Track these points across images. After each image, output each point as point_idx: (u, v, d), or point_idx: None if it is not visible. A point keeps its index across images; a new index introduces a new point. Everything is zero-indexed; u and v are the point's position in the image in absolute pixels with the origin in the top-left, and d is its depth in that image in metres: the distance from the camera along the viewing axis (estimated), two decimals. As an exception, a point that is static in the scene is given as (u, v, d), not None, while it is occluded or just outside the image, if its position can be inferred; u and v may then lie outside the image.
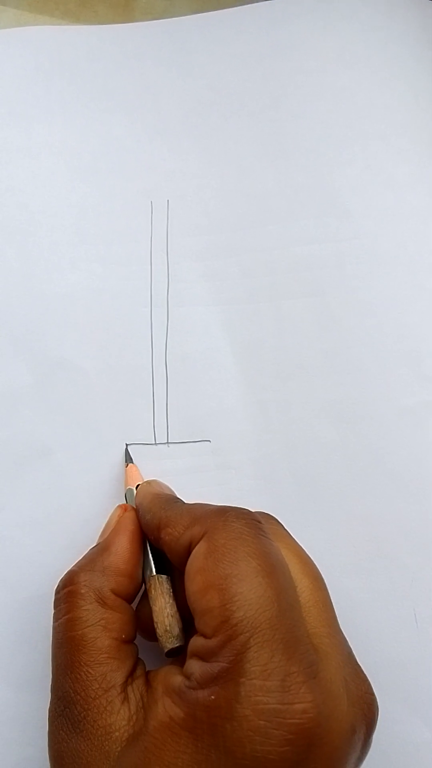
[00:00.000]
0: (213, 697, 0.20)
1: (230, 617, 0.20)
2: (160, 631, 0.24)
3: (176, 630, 0.24)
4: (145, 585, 0.26)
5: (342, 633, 0.23)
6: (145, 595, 0.26)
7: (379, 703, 0.23)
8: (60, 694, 0.22)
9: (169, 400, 0.31)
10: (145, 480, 0.29)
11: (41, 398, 0.31)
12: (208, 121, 0.35)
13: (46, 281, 0.32)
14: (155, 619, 0.24)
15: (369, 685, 0.23)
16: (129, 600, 0.25)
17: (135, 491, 0.28)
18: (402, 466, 0.30)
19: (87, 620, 0.23)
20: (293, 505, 0.31)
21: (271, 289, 0.33)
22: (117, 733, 0.21)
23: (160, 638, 0.24)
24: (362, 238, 0.33)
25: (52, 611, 0.25)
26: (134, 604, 0.26)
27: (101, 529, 0.28)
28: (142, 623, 0.26)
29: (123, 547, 0.26)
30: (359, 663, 0.23)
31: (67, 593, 0.24)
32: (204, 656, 0.21)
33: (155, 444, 0.31)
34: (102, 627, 0.23)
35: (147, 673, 0.23)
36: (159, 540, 0.25)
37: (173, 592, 0.25)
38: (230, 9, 0.37)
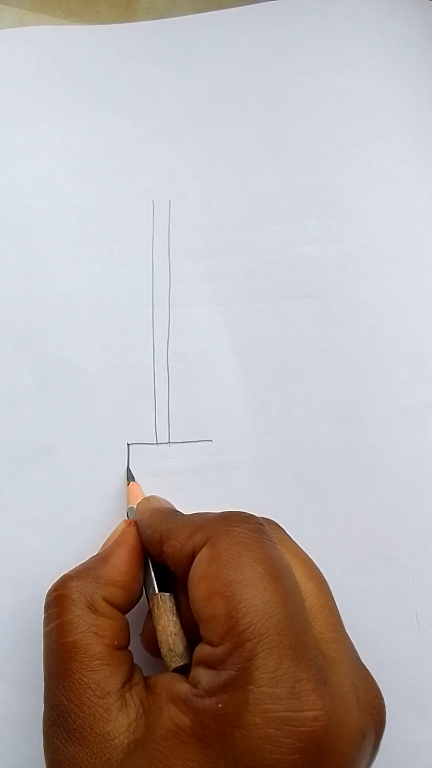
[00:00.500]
0: (221, 705, 0.20)
1: (237, 624, 0.20)
2: (164, 650, 0.24)
3: (180, 648, 0.24)
4: (148, 604, 0.26)
5: (348, 637, 0.23)
6: (149, 613, 0.26)
7: (381, 704, 0.23)
8: (53, 702, 0.22)
9: (170, 399, 0.32)
10: (144, 497, 0.29)
11: (42, 398, 0.31)
12: (210, 121, 0.35)
13: (47, 281, 0.32)
14: (159, 638, 0.24)
15: (378, 689, 0.22)
16: (123, 611, 0.25)
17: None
18: (403, 466, 0.31)
19: (78, 626, 0.23)
20: (294, 505, 0.31)
21: (273, 289, 0.33)
22: (117, 740, 0.21)
23: (165, 657, 0.24)
24: (364, 239, 0.33)
25: (43, 615, 0.24)
26: (139, 623, 0.26)
27: (101, 529, 0.28)
28: (147, 641, 0.26)
29: (120, 559, 0.25)
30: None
31: (58, 596, 0.24)
32: (211, 664, 0.21)
33: (157, 444, 0.31)
34: (93, 633, 0.23)
35: (146, 679, 0.23)
36: (162, 554, 0.25)
37: (177, 608, 0.25)
38: (232, 9, 0.37)
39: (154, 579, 0.26)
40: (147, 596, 0.26)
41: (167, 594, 0.25)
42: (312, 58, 0.36)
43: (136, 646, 0.25)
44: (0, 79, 0.35)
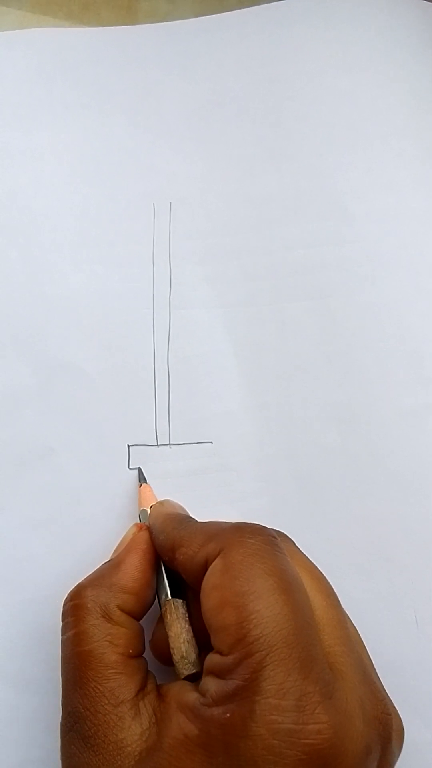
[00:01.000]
0: (228, 714, 0.20)
1: (247, 635, 0.20)
2: (176, 657, 0.24)
3: (192, 656, 0.24)
4: (160, 609, 0.26)
5: (358, 651, 0.23)
6: (161, 620, 0.26)
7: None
8: (69, 709, 0.23)
9: (171, 401, 0.32)
10: (158, 500, 0.29)
11: (43, 399, 0.31)
12: (211, 123, 0.35)
13: (48, 283, 0.32)
14: (171, 645, 0.24)
15: (386, 704, 0.22)
16: (137, 618, 0.25)
17: (149, 512, 0.28)
18: (403, 467, 0.31)
19: (93, 636, 0.23)
20: (294, 507, 0.31)
21: (273, 291, 0.33)
22: (129, 748, 0.21)
23: (177, 664, 0.24)
24: (364, 241, 0.33)
25: (60, 623, 0.25)
26: (151, 629, 0.26)
27: (102, 531, 0.28)
28: (157, 648, 0.26)
29: (133, 566, 0.25)
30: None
31: (74, 606, 0.24)
32: (219, 673, 0.21)
33: (157, 445, 0.31)
34: (108, 642, 0.23)
35: (159, 687, 0.23)
36: (174, 560, 0.25)
37: (189, 615, 0.25)
38: (232, 12, 0.37)
39: (167, 584, 0.26)
40: (159, 602, 0.26)
41: (180, 600, 0.25)
42: (312, 61, 0.36)
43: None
44: (1, 81, 0.35)
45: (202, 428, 0.31)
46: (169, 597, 0.25)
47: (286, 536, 0.26)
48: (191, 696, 0.21)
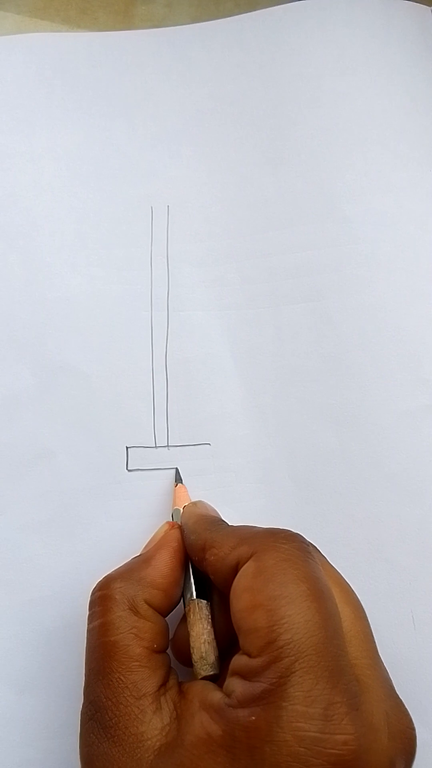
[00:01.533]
0: (253, 717, 0.20)
1: (277, 639, 0.20)
2: (195, 657, 0.24)
3: (212, 658, 0.24)
4: (184, 608, 0.26)
5: (383, 665, 0.23)
6: (183, 619, 0.26)
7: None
8: (92, 698, 0.22)
9: (169, 403, 0.32)
10: (192, 501, 0.29)
11: (43, 401, 0.31)
12: (208, 127, 0.36)
13: (47, 285, 0.32)
14: (192, 644, 0.25)
15: (410, 719, 0.22)
16: (163, 614, 0.25)
17: (181, 511, 0.28)
18: (400, 469, 0.31)
19: (119, 627, 0.23)
20: (292, 508, 0.31)
21: (271, 294, 0.33)
22: (149, 742, 0.21)
23: (195, 664, 0.24)
24: (361, 244, 0.33)
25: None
26: (172, 627, 0.26)
27: (101, 532, 0.28)
28: (178, 647, 0.26)
29: (163, 562, 0.26)
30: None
31: (102, 596, 0.24)
32: (246, 675, 0.21)
33: (155, 447, 0.31)
34: (134, 635, 0.23)
35: (180, 684, 0.23)
36: (203, 561, 0.25)
37: (212, 618, 0.25)
38: (229, 18, 0.37)
39: (193, 584, 0.26)
40: (184, 601, 0.26)
41: (204, 601, 0.25)
42: (309, 65, 0.36)
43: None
44: (-1, 85, 0.35)
45: (200, 430, 0.32)
46: (194, 597, 0.25)
47: (315, 547, 0.25)
48: (215, 695, 0.21)
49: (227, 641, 0.25)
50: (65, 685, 0.28)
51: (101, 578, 0.25)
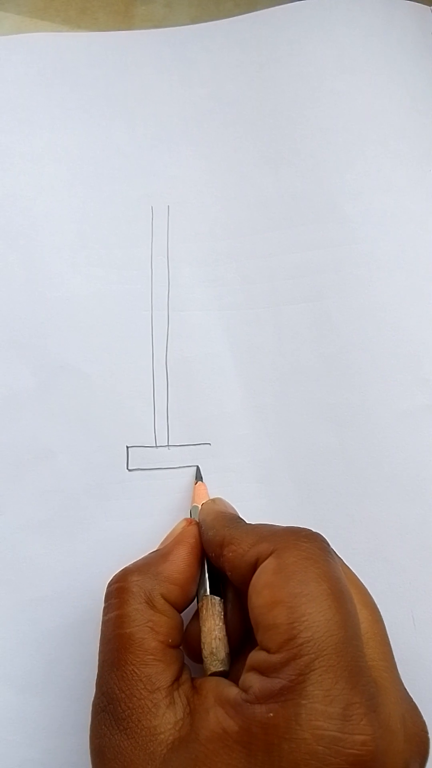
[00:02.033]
0: (271, 714, 0.20)
1: (297, 636, 0.20)
2: (206, 652, 0.24)
3: (222, 654, 0.24)
4: (197, 604, 0.26)
5: (397, 668, 0.23)
6: (196, 615, 0.26)
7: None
8: (105, 689, 0.22)
9: (169, 403, 0.32)
10: (210, 498, 0.29)
11: (43, 401, 0.31)
12: (208, 127, 0.36)
13: (47, 285, 0.32)
14: (203, 640, 0.25)
15: (424, 722, 0.22)
16: (178, 609, 0.25)
17: (200, 508, 0.28)
18: (401, 468, 0.31)
19: (135, 619, 0.23)
20: (292, 508, 0.31)
21: (271, 294, 0.33)
22: (162, 736, 0.21)
23: (205, 660, 0.24)
24: (361, 243, 0.33)
25: (103, 604, 0.25)
26: (185, 622, 0.26)
27: (101, 532, 0.28)
28: (189, 642, 0.26)
29: (180, 558, 0.26)
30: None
31: (119, 588, 0.24)
32: (265, 671, 0.21)
33: (156, 447, 0.31)
34: (149, 628, 0.23)
35: (193, 680, 0.23)
36: (221, 557, 0.25)
37: (224, 616, 0.25)
38: (229, 18, 0.37)
39: (207, 580, 0.26)
40: (197, 596, 0.26)
41: (217, 598, 0.25)
42: (309, 65, 0.36)
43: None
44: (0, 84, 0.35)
45: (200, 429, 0.32)
46: (208, 593, 0.26)
47: (333, 549, 0.26)
48: (231, 691, 0.21)
49: (239, 640, 0.25)
50: (65, 685, 0.28)
51: (118, 571, 0.25)
